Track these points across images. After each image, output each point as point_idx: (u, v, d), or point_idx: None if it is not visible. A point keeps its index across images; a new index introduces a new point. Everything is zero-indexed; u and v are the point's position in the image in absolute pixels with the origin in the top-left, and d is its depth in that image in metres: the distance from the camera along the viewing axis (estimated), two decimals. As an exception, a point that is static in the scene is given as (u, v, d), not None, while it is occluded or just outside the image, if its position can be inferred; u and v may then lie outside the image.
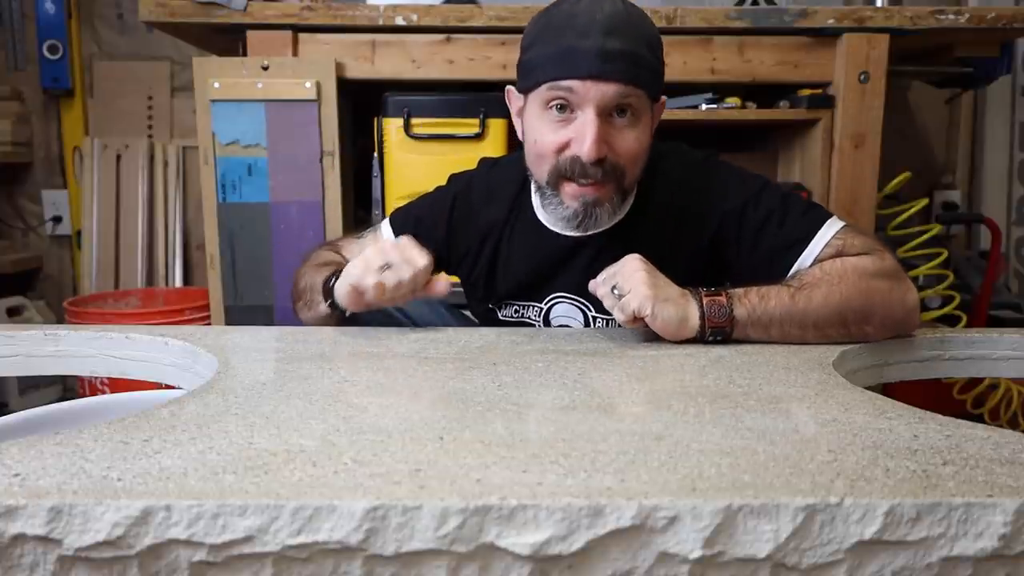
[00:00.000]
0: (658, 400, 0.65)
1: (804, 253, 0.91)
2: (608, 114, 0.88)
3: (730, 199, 0.96)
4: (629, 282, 0.85)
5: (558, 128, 0.89)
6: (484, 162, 1.14)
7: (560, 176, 0.91)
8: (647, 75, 0.88)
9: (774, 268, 0.92)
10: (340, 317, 0.97)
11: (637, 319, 0.84)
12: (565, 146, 0.89)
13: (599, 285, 0.89)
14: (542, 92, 0.89)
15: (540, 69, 0.89)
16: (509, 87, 0.98)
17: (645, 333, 0.88)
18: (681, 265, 0.94)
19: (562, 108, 0.88)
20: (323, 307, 0.97)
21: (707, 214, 0.96)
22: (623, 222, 0.99)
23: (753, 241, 0.94)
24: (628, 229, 0.99)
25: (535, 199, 1.01)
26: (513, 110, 0.99)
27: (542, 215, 1.01)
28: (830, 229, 0.92)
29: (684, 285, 0.87)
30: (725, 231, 0.96)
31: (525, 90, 0.93)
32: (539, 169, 0.93)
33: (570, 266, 1.01)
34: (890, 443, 0.54)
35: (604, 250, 0.98)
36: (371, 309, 0.92)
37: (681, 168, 1.00)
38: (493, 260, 1.05)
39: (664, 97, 0.97)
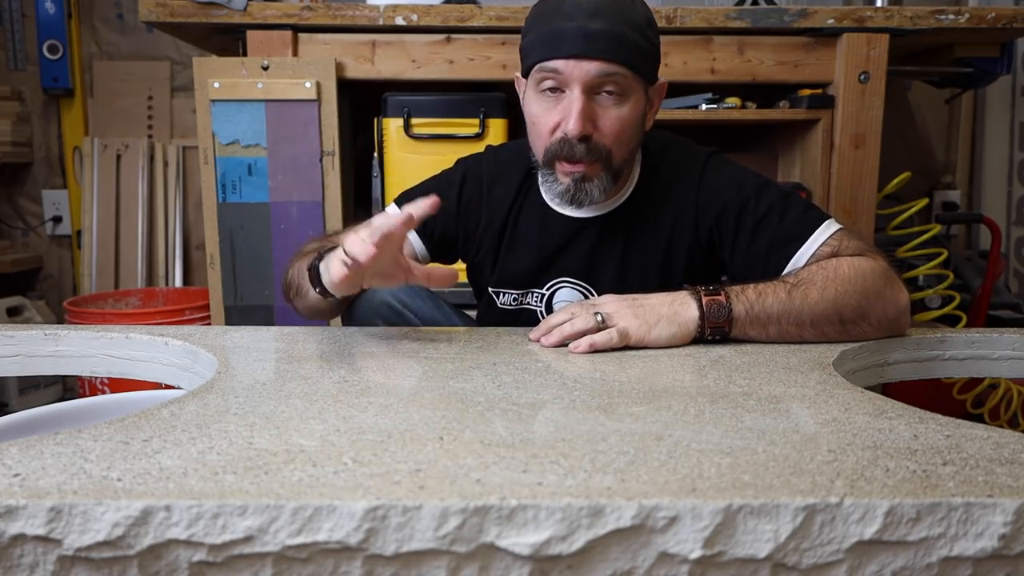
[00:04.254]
0: (658, 400, 0.65)
1: (800, 251, 0.93)
2: (595, 93, 0.91)
3: (731, 193, 0.98)
4: (615, 318, 0.86)
5: (550, 108, 0.93)
6: (491, 147, 1.16)
7: (554, 156, 0.94)
8: (632, 54, 0.91)
9: (770, 264, 0.94)
10: (336, 306, 0.97)
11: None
12: (556, 127, 0.93)
13: (555, 316, 0.89)
14: (535, 74, 0.93)
15: (533, 52, 0.93)
16: (517, 74, 1.02)
17: None
18: (679, 254, 0.98)
19: (553, 89, 0.92)
20: (312, 294, 0.91)
21: (707, 206, 0.99)
22: (625, 207, 1.02)
23: (751, 236, 0.96)
24: (630, 214, 1.01)
25: (539, 179, 1.04)
26: (520, 96, 1.02)
27: (546, 195, 1.04)
28: (827, 230, 0.94)
29: (682, 275, 0.88)
30: (724, 224, 0.98)
31: (524, 74, 0.97)
32: (537, 149, 0.97)
33: (573, 248, 1.03)
34: (890, 443, 0.54)
35: (607, 232, 1.01)
36: (355, 289, 0.86)
37: (685, 159, 1.02)
38: (499, 239, 1.07)
39: (664, 80, 0.99)
